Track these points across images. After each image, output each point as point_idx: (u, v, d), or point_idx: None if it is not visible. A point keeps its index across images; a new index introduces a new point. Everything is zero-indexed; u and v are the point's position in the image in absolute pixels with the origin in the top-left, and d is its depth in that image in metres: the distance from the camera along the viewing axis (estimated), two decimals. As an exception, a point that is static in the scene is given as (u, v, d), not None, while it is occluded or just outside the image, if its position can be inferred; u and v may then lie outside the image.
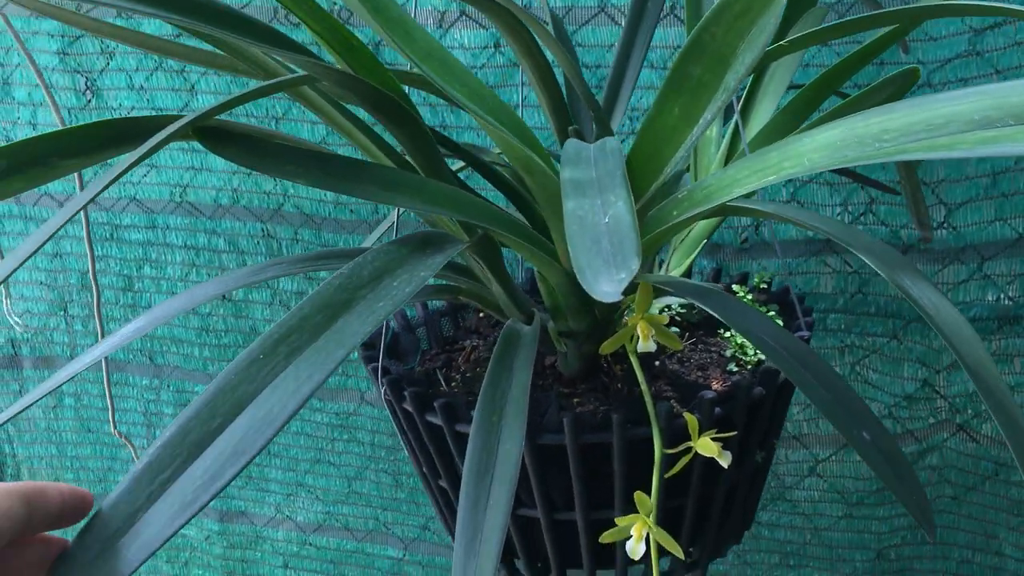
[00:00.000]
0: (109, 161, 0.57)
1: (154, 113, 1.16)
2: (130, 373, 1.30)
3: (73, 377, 0.61)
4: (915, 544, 1.05)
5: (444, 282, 0.73)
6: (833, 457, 1.04)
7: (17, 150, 0.53)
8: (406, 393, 0.66)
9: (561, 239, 0.56)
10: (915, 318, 0.96)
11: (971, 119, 0.42)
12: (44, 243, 0.48)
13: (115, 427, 1.22)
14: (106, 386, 1.20)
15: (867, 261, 0.51)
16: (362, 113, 0.61)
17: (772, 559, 1.10)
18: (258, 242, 1.17)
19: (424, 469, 0.72)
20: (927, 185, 0.92)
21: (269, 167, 0.48)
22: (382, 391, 0.70)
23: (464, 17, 1.00)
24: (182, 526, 0.39)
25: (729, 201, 0.49)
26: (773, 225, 0.96)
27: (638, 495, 0.57)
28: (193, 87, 1.13)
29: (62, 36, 1.18)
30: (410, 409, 0.67)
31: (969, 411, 0.98)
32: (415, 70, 0.56)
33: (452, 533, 0.75)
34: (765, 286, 0.74)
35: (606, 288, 0.34)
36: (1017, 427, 0.48)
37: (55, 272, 1.28)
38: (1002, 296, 0.93)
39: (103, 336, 1.18)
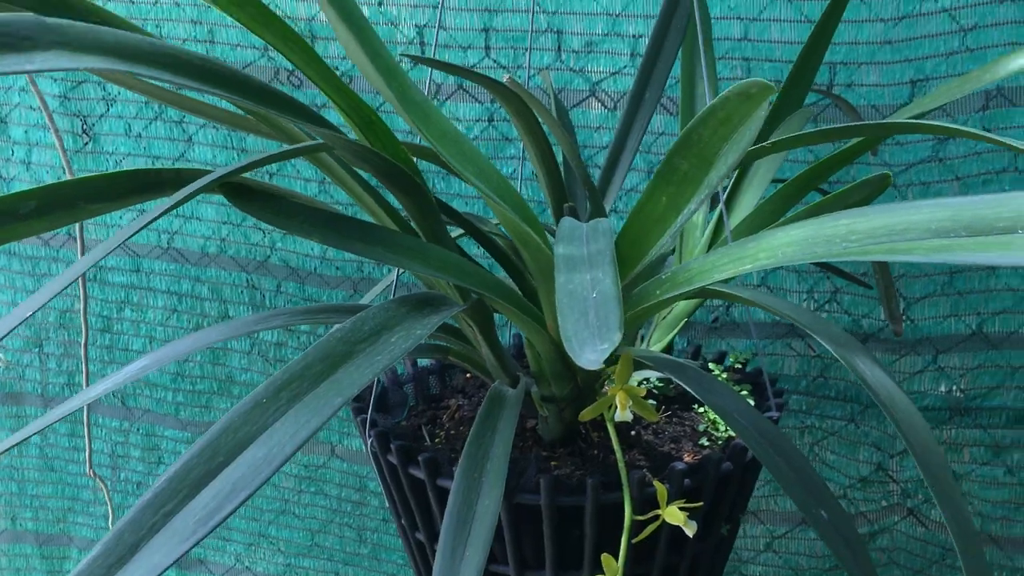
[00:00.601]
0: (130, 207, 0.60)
1: (150, 160, 1.19)
2: (100, 414, 1.30)
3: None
4: (864, 625, 1.08)
5: (436, 342, 0.76)
6: (788, 534, 1.07)
7: (47, 192, 0.56)
8: (392, 446, 0.69)
9: (550, 309, 0.60)
10: (871, 404, 1.01)
11: (928, 228, 0.46)
12: (60, 290, 0.51)
13: (91, 468, 1.22)
14: (85, 427, 1.21)
15: (828, 347, 0.56)
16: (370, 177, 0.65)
17: (725, 633, 1.13)
18: (241, 292, 1.20)
19: (403, 521, 0.74)
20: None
21: (290, 226, 0.52)
22: (368, 443, 0.73)
23: (461, 90, 1.05)
24: (182, 556, 0.42)
25: (708, 285, 0.54)
26: (745, 308, 1.01)
27: (605, 557, 0.60)
28: (191, 138, 1.17)
29: (64, 80, 1.21)
30: (395, 461, 0.69)
31: (919, 496, 1.02)
32: (424, 142, 0.60)
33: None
34: (740, 366, 0.78)
35: (590, 356, 0.37)
36: (961, 515, 0.52)
37: (34, 309, 1.30)
38: (954, 388, 0.98)
39: (87, 375, 1.20)
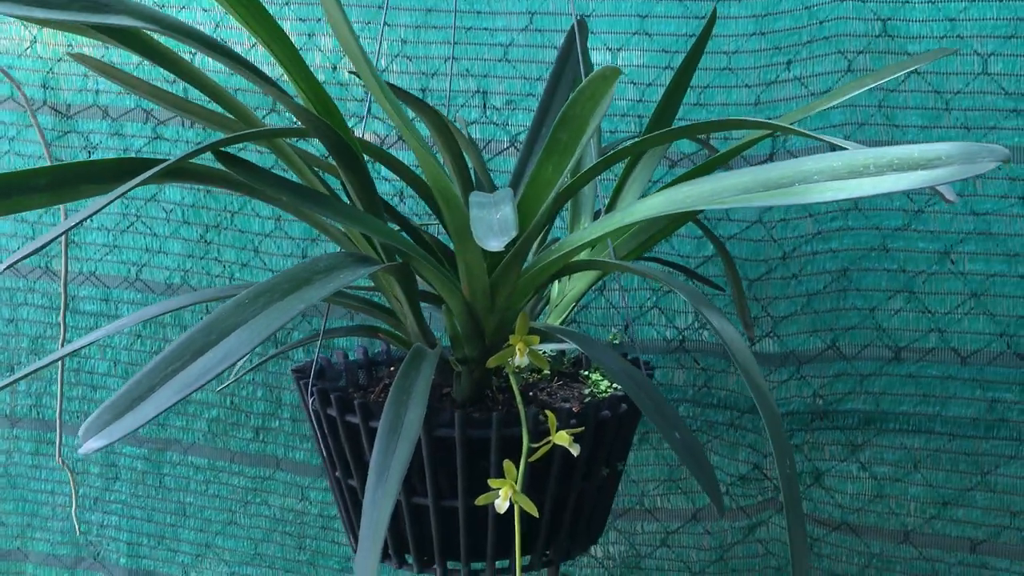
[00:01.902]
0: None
1: (123, 150, 1.34)
2: (65, 433, 1.42)
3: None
4: (747, 611, 1.22)
5: (368, 322, 0.92)
6: (681, 529, 1.22)
7: (56, 171, 0.71)
8: (331, 397, 0.83)
9: (465, 272, 0.76)
10: (749, 409, 1.18)
11: (738, 187, 0.64)
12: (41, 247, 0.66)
13: (60, 455, 1.33)
14: (58, 416, 1.32)
15: (686, 298, 0.73)
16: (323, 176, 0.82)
17: (627, 625, 1.26)
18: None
19: (337, 473, 0.88)
20: (758, 301, 1.16)
21: (265, 187, 0.68)
22: (310, 401, 0.87)
23: (400, 141, 1.23)
24: (184, 398, 0.56)
25: (580, 251, 0.71)
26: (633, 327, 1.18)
27: (506, 463, 0.75)
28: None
29: (48, 129, 1.37)
30: (333, 413, 0.84)
31: (790, 491, 1.18)
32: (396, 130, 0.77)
33: (355, 532, 0.91)
34: (616, 343, 0.95)
35: (494, 244, 0.54)
36: (773, 415, 0.68)
37: (7, 336, 1.42)
38: (815, 395, 1.15)
39: (61, 382, 1.31)
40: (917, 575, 1.15)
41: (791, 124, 0.87)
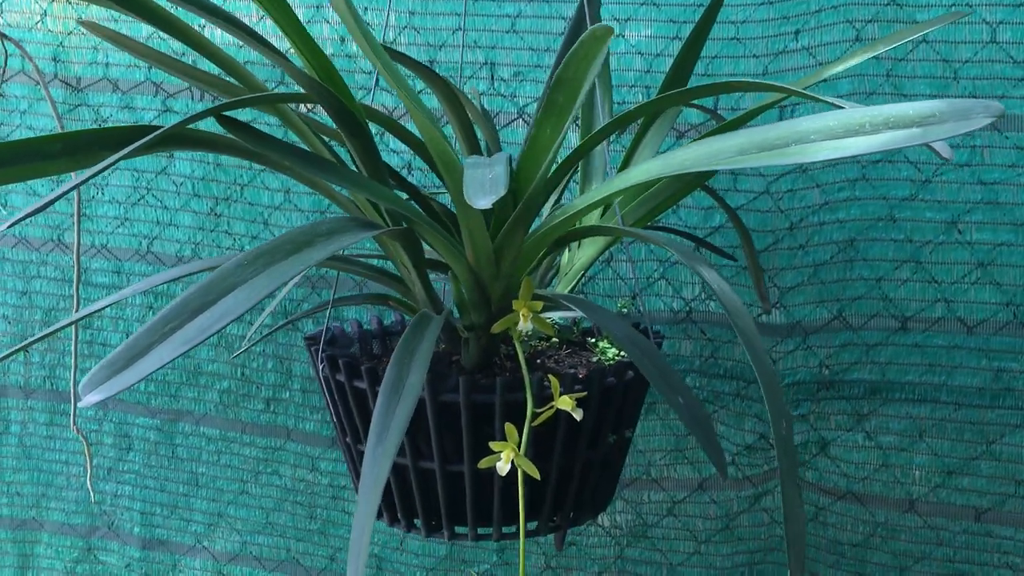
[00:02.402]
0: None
1: (133, 122, 1.35)
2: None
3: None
4: (752, 579, 1.23)
5: (379, 291, 0.93)
6: (687, 499, 1.23)
7: (71, 138, 0.72)
8: (340, 363, 0.84)
9: (468, 237, 0.77)
10: (755, 380, 1.18)
11: (735, 149, 0.65)
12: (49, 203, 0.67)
13: (75, 424, 1.35)
14: (72, 383, 1.34)
15: (679, 257, 0.73)
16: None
17: (634, 593, 1.27)
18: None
19: (347, 438, 0.90)
20: (766, 271, 1.16)
21: (270, 153, 0.68)
22: (320, 368, 0.88)
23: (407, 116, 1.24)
24: (179, 356, 0.57)
25: (583, 214, 0.72)
26: (644, 299, 1.19)
27: (508, 426, 0.75)
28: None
29: (60, 103, 1.38)
30: (342, 379, 0.85)
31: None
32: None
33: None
34: (625, 311, 0.95)
35: (482, 202, 0.54)
36: (765, 366, 0.69)
37: (21, 308, 1.44)
38: (821, 365, 1.16)
39: (75, 356, 1.33)
40: (922, 543, 1.16)
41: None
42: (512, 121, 1.22)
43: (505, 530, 0.87)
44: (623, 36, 1.19)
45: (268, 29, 1.26)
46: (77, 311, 1.33)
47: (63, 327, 0.76)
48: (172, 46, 1.26)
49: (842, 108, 0.63)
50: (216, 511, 1.41)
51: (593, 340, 0.93)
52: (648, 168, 0.69)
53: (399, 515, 0.89)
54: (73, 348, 1.34)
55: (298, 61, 0.76)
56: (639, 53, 1.19)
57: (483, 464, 0.76)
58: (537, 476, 0.75)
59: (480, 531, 0.87)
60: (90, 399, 0.53)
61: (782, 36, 1.15)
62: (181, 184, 1.36)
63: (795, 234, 1.15)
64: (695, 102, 1.06)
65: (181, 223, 1.36)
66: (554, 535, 0.95)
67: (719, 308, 1.18)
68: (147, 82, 1.35)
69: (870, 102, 1.11)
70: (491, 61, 1.22)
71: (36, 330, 1.44)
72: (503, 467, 0.75)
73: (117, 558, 1.46)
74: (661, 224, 1.07)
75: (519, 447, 0.77)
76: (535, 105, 1.22)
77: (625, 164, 0.93)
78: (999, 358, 1.10)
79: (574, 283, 0.93)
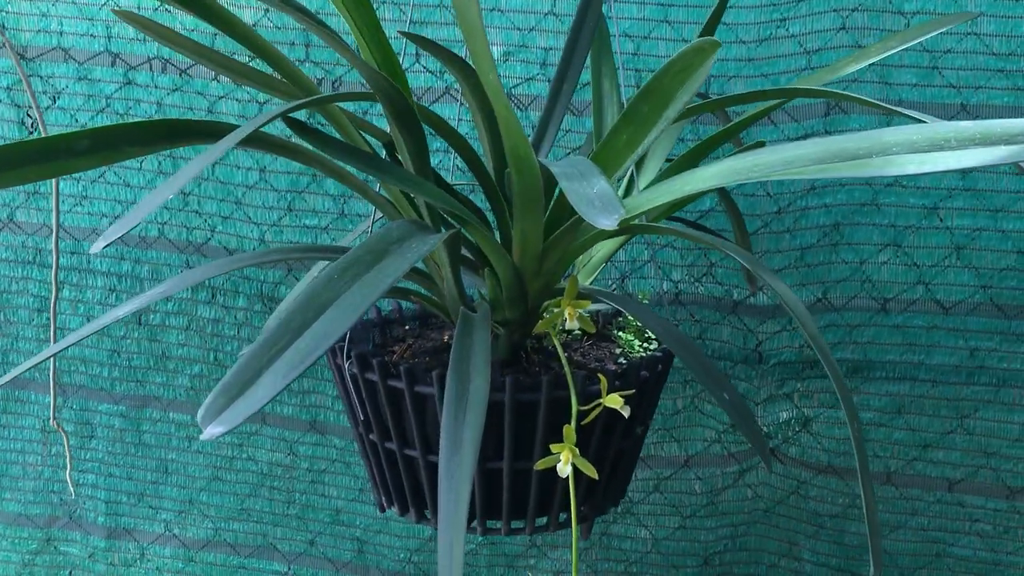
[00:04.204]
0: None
1: (88, 96, 1.28)
2: (32, 391, 1.37)
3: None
4: (734, 551, 1.28)
5: (401, 285, 0.91)
6: (673, 475, 1.26)
7: (98, 134, 0.68)
8: (373, 362, 0.83)
9: (520, 237, 0.76)
10: (742, 360, 1.21)
11: (810, 158, 0.65)
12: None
13: (54, 418, 1.29)
14: (51, 377, 1.27)
15: (739, 260, 0.74)
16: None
17: (618, 567, 1.30)
18: (180, 272, 1.30)
19: (372, 436, 0.88)
20: (753, 255, 1.18)
21: (333, 153, 0.66)
22: (346, 364, 0.86)
23: (444, 97, 1.21)
24: (292, 381, 0.55)
25: (636, 218, 0.72)
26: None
27: (566, 428, 0.76)
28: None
29: (6, 73, 1.29)
30: (374, 377, 0.83)
31: (779, 437, 1.23)
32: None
33: (386, 496, 0.91)
34: (646, 302, 0.96)
35: (606, 222, 0.54)
36: (827, 355, 0.70)
37: (-33, 291, 1.35)
38: (804, 345, 1.20)
39: (54, 332, 1.26)
40: (898, 513, 1.22)
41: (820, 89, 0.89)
42: (533, 101, 1.21)
43: (516, 524, 0.88)
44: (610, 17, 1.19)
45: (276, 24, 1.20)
46: (56, 298, 1.26)
47: (92, 331, 0.72)
48: (204, 36, 1.20)
49: (924, 122, 0.64)
50: (187, 498, 1.38)
51: (618, 332, 0.93)
52: (714, 172, 0.69)
53: (427, 511, 0.89)
54: (51, 337, 1.27)
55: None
56: (626, 35, 1.19)
57: (541, 465, 0.77)
58: (595, 475, 0.76)
59: (513, 525, 0.88)
60: (213, 431, 0.51)
61: (770, 23, 1.16)
62: (144, 160, 1.29)
63: (782, 218, 1.18)
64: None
65: (142, 199, 1.29)
66: (582, 524, 0.96)
67: (708, 291, 1.21)
68: (104, 52, 1.28)
69: (856, 88, 1.14)
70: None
71: (-16, 314, 1.36)
72: (563, 468, 0.75)
73: (80, 548, 1.41)
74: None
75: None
76: (524, 86, 1.21)
77: (638, 164, 0.93)
78: (974, 338, 1.15)
79: (595, 274, 0.93)
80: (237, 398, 0.54)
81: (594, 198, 0.57)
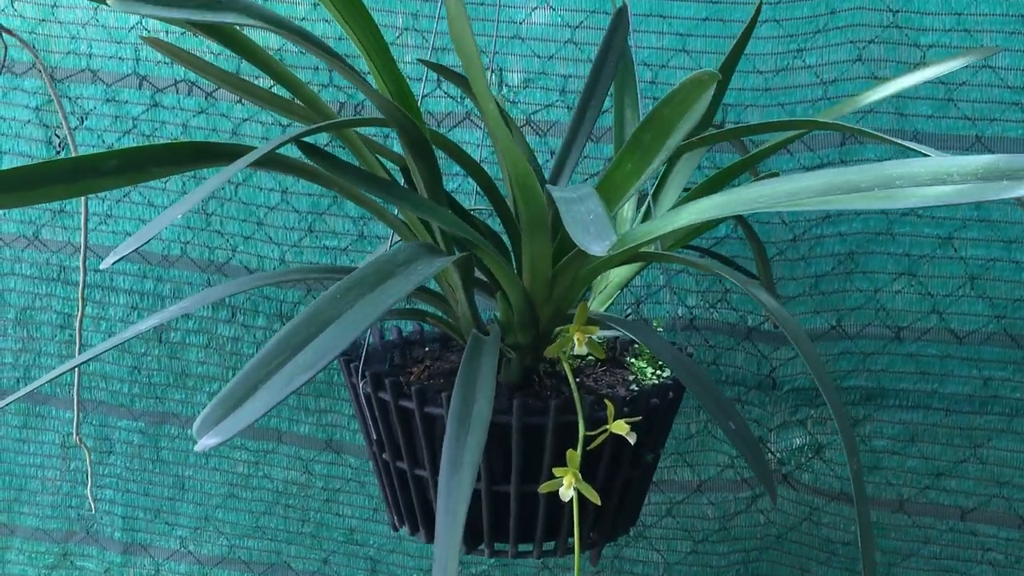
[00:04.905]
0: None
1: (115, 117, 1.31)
2: (53, 406, 1.39)
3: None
4: (746, 577, 1.28)
5: (415, 306, 0.93)
6: (686, 500, 1.26)
7: (126, 154, 0.70)
8: (386, 381, 0.84)
9: (529, 263, 0.77)
10: (755, 385, 1.22)
11: (815, 189, 0.66)
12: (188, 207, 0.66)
13: (77, 434, 1.31)
14: (75, 392, 1.30)
15: (739, 285, 0.75)
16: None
17: (630, 592, 1.30)
18: (201, 289, 1.32)
19: (385, 455, 0.89)
20: (750, 279, 1.19)
21: (346, 177, 0.68)
22: (360, 384, 0.88)
23: (464, 122, 1.23)
24: (287, 396, 0.56)
25: (648, 245, 0.73)
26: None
27: (570, 452, 0.77)
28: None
29: (35, 94, 1.33)
30: (386, 397, 0.85)
31: (792, 464, 1.23)
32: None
33: (398, 515, 0.92)
34: (661, 329, 0.97)
35: (596, 249, 0.55)
36: (821, 372, 0.71)
37: (-8, 306, 1.38)
38: (819, 372, 1.20)
39: (79, 344, 1.29)
40: (910, 541, 1.21)
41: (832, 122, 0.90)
42: (520, 127, 1.22)
43: (522, 548, 0.89)
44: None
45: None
46: (82, 316, 1.29)
47: (115, 344, 0.73)
48: (230, 62, 1.23)
49: (928, 156, 0.65)
50: (202, 515, 1.39)
51: (631, 360, 0.94)
52: (716, 203, 0.70)
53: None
54: (76, 351, 1.30)
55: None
56: (645, 64, 1.20)
57: (544, 488, 0.77)
58: (598, 501, 0.77)
59: (521, 548, 0.89)
60: (207, 442, 0.52)
61: (786, 54, 1.17)
62: (169, 180, 1.32)
63: (797, 246, 1.18)
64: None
65: (157, 216, 1.32)
66: (591, 551, 0.97)
67: (722, 316, 1.21)
68: (132, 75, 1.31)
69: (872, 119, 1.15)
70: (499, 67, 1.22)
71: (10, 329, 1.38)
72: (566, 492, 0.76)
73: (96, 563, 1.43)
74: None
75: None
76: (543, 112, 1.22)
77: (659, 189, 0.95)
78: (988, 367, 1.15)
79: (610, 301, 0.94)
80: (233, 410, 0.55)
81: (589, 224, 0.59)
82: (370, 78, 0.73)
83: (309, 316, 0.61)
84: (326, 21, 1.25)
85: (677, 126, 0.64)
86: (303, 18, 1.26)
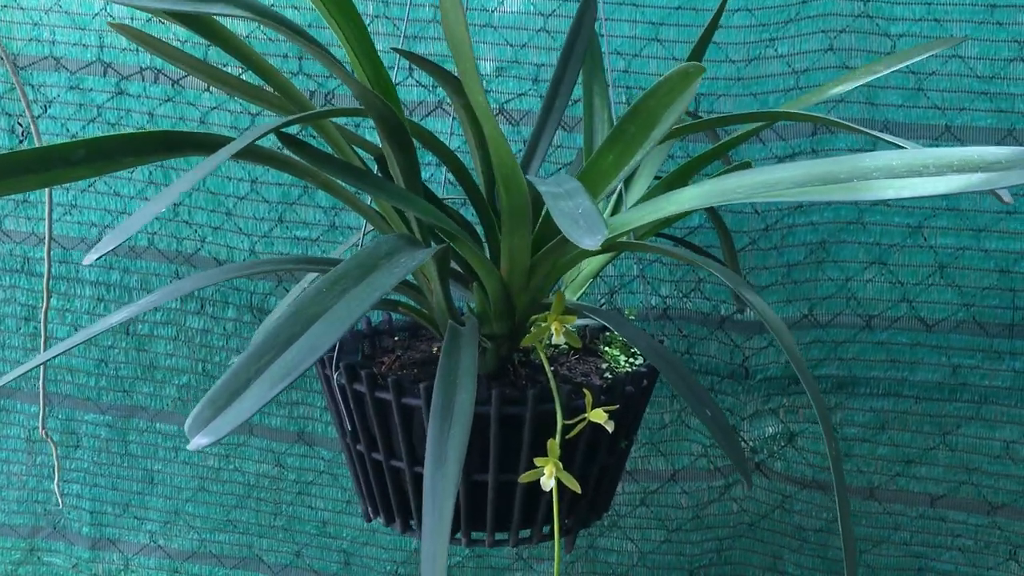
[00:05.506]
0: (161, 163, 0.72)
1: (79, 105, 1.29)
2: (18, 400, 1.37)
3: None
4: (719, 564, 1.28)
5: (389, 297, 0.92)
6: (660, 489, 1.27)
7: (94, 143, 0.68)
8: (361, 373, 0.83)
9: (507, 253, 0.77)
10: (728, 375, 1.22)
11: (793, 180, 0.66)
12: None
13: (43, 428, 1.28)
14: (41, 386, 1.27)
15: (726, 281, 0.74)
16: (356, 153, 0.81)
17: (604, 581, 1.30)
18: (170, 282, 1.30)
19: (359, 446, 0.88)
20: (740, 271, 1.19)
21: (328, 169, 0.67)
22: (334, 375, 0.87)
23: (436, 111, 1.22)
24: (278, 393, 0.56)
25: (632, 237, 0.72)
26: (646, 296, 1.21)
27: (550, 443, 0.76)
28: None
29: (2, 82, 1.30)
30: (362, 389, 0.84)
31: (764, 452, 1.24)
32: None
33: (372, 506, 0.91)
34: (633, 318, 0.97)
35: (589, 242, 0.54)
36: (798, 361, 0.71)
37: (-46, 299, 1.35)
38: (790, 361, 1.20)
39: (44, 339, 1.27)
40: (881, 528, 1.23)
41: (795, 111, 0.90)
42: (494, 115, 1.21)
43: (500, 536, 0.88)
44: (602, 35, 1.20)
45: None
46: (47, 308, 1.26)
47: (87, 337, 0.72)
48: (196, 49, 1.21)
49: (903, 148, 0.65)
50: (172, 509, 1.37)
51: (604, 347, 0.94)
52: (699, 193, 0.70)
53: (413, 523, 0.89)
54: (42, 346, 1.27)
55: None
56: (617, 53, 1.20)
57: (525, 478, 0.77)
58: (579, 490, 0.77)
59: (497, 537, 0.88)
60: (199, 441, 0.52)
61: (759, 43, 1.17)
62: (135, 170, 1.30)
63: (769, 235, 1.19)
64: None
65: (135, 211, 1.30)
66: (565, 537, 0.97)
67: (695, 306, 1.22)
68: (97, 62, 1.28)
69: (844, 110, 1.16)
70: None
71: (-28, 322, 1.36)
72: (546, 482, 0.76)
73: (63, 559, 1.40)
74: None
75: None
76: (516, 102, 1.22)
77: (628, 180, 0.94)
78: (957, 355, 1.17)
79: (582, 290, 0.94)
80: (224, 409, 0.55)
81: (579, 218, 0.58)
82: (347, 66, 0.72)
83: (295, 312, 0.60)
84: (294, 8, 1.23)
85: (662, 117, 0.64)
86: (272, 4, 1.24)
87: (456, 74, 0.75)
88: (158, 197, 0.57)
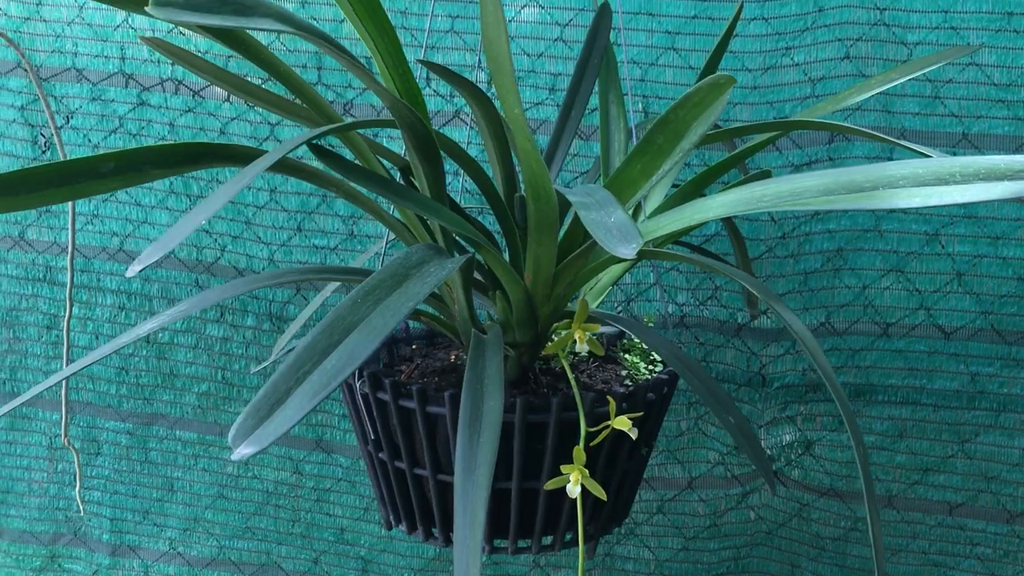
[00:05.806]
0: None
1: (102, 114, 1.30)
2: (39, 407, 1.38)
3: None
4: (737, 573, 1.29)
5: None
6: (677, 497, 1.27)
7: (123, 156, 0.69)
8: (385, 382, 0.84)
9: (533, 262, 0.77)
10: (745, 383, 1.22)
11: (818, 189, 0.67)
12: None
13: (66, 436, 1.29)
14: (63, 395, 1.28)
15: (753, 291, 0.75)
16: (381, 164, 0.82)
17: (621, 589, 1.31)
18: (190, 290, 1.31)
19: (382, 454, 0.89)
20: (759, 278, 1.20)
21: (353, 178, 0.68)
22: (358, 384, 0.87)
23: (453, 120, 1.23)
24: (319, 403, 0.56)
25: (657, 247, 0.73)
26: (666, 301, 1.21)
27: (576, 450, 0.77)
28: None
29: (20, 93, 1.31)
30: (386, 397, 0.85)
31: (782, 460, 1.24)
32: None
33: (394, 514, 0.92)
34: (652, 325, 0.98)
35: (624, 251, 0.55)
36: (831, 378, 0.72)
37: (-24, 307, 1.37)
38: (807, 369, 1.21)
39: (67, 349, 1.28)
40: (899, 536, 1.23)
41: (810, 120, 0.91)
42: (540, 126, 1.23)
43: (522, 544, 0.89)
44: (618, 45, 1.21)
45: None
46: (69, 315, 1.27)
47: (118, 347, 0.73)
48: (219, 62, 1.22)
49: (927, 155, 0.66)
50: (192, 516, 1.38)
51: (623, 354, 0.95)
52: (724, 202, 0.71)
53: (436, 530, 0.90)
54: (64, 355, 1.28)
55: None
56: (633, 62, 1.21)
57: (551, 485, 0.78)
58: (604, 497, 0.77)
59: (519, 544, 0.89)
60: (243, 451, 0.52)
61: (775, 52, 1.18)
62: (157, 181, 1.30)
63: (786, 243, 1.19)
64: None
65: (157, 221, 1.31)
66: (588, 544, 0.97)
67: (712, 314, 1.22)
68: (118, 73, 1.30)
69: (859, 117, 1.16)
70: (485, 64, 1.22)
71: (-6, 331, 1.37)
72: (573, 489, 0.77)
73: (84, 566, 1.41)
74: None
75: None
76: (533, 111, 1.22)
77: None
78: (975, 363, 1.17)
79: (601, 297, 0.95)
80: (266, 419, 0.56)
81: (612, 227, 0.59)
82: (377, 77, 0.73)
83: (332, 322, 0.61)
84: (313, 19, 1.24)
85: (692, 128, 0.64)
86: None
87: (476, 83, 0.76)
88: (198, 209, 0.58)
